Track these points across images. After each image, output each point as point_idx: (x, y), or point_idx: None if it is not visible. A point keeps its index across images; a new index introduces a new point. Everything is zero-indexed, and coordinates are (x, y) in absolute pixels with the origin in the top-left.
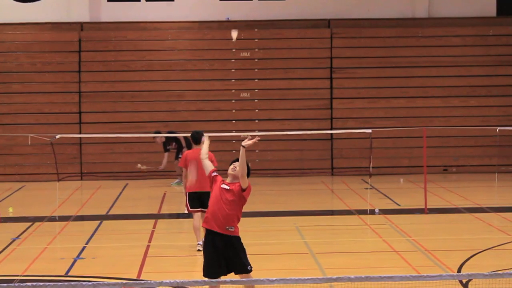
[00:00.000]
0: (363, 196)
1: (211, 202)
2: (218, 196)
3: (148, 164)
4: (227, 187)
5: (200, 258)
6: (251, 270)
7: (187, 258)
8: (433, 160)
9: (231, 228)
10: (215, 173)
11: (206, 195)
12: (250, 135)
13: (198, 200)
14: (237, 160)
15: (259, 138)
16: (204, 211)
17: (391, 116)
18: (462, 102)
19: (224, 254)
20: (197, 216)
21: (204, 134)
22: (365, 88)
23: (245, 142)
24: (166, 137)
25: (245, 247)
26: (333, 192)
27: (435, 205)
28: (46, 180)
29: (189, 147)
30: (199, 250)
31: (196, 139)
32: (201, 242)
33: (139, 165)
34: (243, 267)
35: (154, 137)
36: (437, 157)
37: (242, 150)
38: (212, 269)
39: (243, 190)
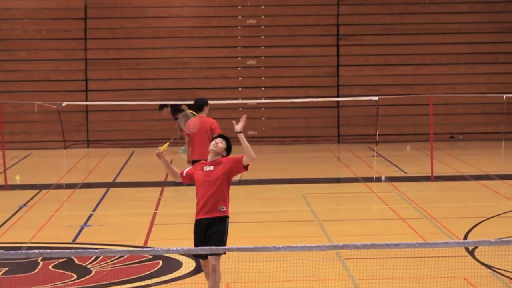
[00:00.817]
0: (370, 163)
1: (199, 190)
2: (203, 180)
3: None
4: (211, 168)
5: None
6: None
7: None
8: (440, 127)
9: (223, 208)
10: (185, 171)
11: None
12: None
13: None
14: (220, 136)
15: (246, 115)
16: None
17: (398, 83)
18: (469, 69)
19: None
20: None
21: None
22: (371, 55)
23: (239, 126)
24: (172, 108)
25: (250, 215)
26: (339, 159)
27: (442, 173)
28: (52, 148)
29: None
30: None
31: (197, 106)
32: None
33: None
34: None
35: (160, 110)
36: (444, 124)
37: (240, 136)
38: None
39: (244, 166)
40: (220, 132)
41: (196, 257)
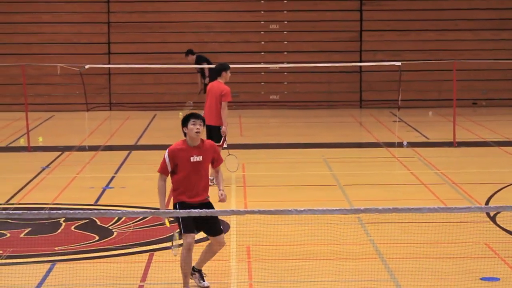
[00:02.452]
0: (391, 129)
1: (187, 180)
2: (193, 171)
3: (190, 104)
4: (199, 158)
5: (227, 188)
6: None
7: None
8: (463, 93)
9: (208, 197)
10: (168, 167)
11: (212, 128)
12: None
13: (207, 132)
14: (197, 117)
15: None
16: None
17: (421, 49)
18: (493, 35)
19: (200, 220)
20: None
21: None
22: (395, 21)
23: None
24: (197, 58)
25: (272, 179)
26: (361, 124)
27: (464, 139)
28: (75, 110)
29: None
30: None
31: (216, 71)
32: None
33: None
34: (219, 230)
35: (186, 55)
36: (467, 90)
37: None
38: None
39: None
40: (227, 100)
41: (189, 230)
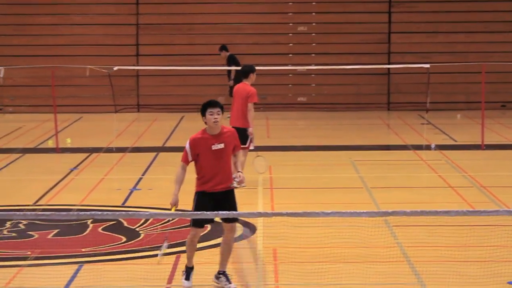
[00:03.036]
0: (420, 131)
1: (209, 168)
2: (215, 159)
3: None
4: (221, 146)
5: (254, 191)
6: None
7: (242, 190)
8: (492, 96)
9: (232, 184)
10: (189, 156)
11: (238, 130)
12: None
13: None
14: (214, 106)
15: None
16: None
17: (450, 51)
18: None
19: (219, 206)
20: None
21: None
22: (424, 23)
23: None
24: (229, 57)
25: (299, 181)
26: (389, 127)
27: (492, 141)
28: (103, 112)
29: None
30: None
31: (243, 73)
32: (234, 176)
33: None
34: (236, 217)
35: (220, 51)
36: (496, 93)
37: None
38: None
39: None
40: (254, 101)
41: (198, 225)
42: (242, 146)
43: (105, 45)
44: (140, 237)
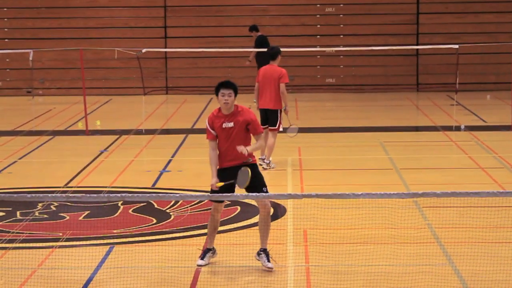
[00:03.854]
0: (449, 112)
1: (221, 145)
2: (226, 137)
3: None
4: (231, 124)
5: (283, 172)
6: (267, 192)
7: (272, 172)
8: None
9: (249, 160)
10: (212, 133)
11: (269, 112)
12: (335, 50)
13: (262, 117)
14: (227, 86)
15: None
16: (266, 128)
17: (480, 31)
18: None
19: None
20: (265, 133)
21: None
22: (452, 3)
23: (244, 150)
24: (258, 38)
25: (329, 162)
26: (418, 108)
27: None
28: (132, 94)
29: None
30: (260, 165)
31: (271, 55)
32: (263, 157)
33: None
34: (259, 188)
35: (250, 31)
36: None
37: (249, 150)
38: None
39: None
40: (286, 81)
41: (215, 201)
42: (272, 128)
43: (133, 28)
44: (171, 219)
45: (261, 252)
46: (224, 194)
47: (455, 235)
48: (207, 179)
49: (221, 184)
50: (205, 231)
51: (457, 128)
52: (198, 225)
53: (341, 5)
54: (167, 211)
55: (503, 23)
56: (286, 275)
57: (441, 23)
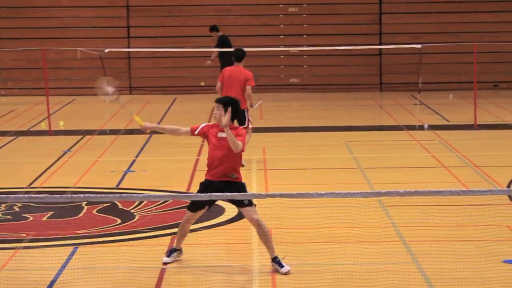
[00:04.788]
0: (412, 111)
1: (212, 153)
2: (216, 146)
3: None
4: (223, 135)
5: (248, 172)
6: (248, 204)
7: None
8: (484, 76)
9: (233, 176)
10: (198, 129)
11: None
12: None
13: None
14: (217, 101)
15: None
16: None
17: (442, 31)
18: None
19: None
20: None
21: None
22: (415, 3)
23: (224, 120)
24: (220, 38)
25: (293, 162)
26: (381, 107)
27: (485, 121)
28: (95, 94)
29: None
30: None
31: (239, 56)
32: None
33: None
34: (240, 202)
35: (211, 31)
36: (488, 73)
37: (226, 130)
38: (199, 204)
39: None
40: (253, 85)
41: (191, 208)
42: (242, 127)
43: (96, 27)
44: (135, 219)
45: (272, 262)
46: (187, 194)
47: (419, 234)
48: (172, 179)
49: (137, 118)
50: (170, 231)
51: (421, 127)
52: (163, 225)
53: (305, 5)
54: (132, 211)
55: (465, 23)
56: (252, 275)
57: (404, 23)
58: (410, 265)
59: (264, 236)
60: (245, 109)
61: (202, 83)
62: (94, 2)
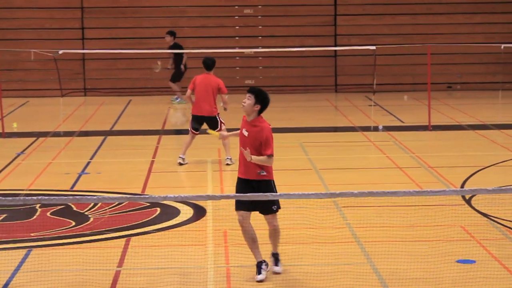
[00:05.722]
0: (367, 113)
1: (240, 153)
2: (241, 143)
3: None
4: (246, 134)
5: (204, 174)
6: (276, 211)
7: (191, 173)
8: (437, 77)
9: (262, 172)
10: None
11: (210, 119)
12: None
13: (197, 122)
14: (249, 90)
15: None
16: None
17: (396, 33)
18: (467, 19)
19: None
20: (192, 136)
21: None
22: (369, 5)
23: (248, 156)
24: (174, 46)
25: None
26: (336, 109)
27: (439, 122)
28: (49, 96)
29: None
30: (180, 164)
31: (208, 65)
32: (183, 156)
33: (158, 62)
34: (268, 210)
35: (166, 34)
36: (441, 74)
37: (254, 159)
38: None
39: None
40: (226, 92)
41: (238, 207)
42: (216, 130)
43: (49, 29)
44: (89, 221)
45: (272, 256)
46: (142, 196)
47: (373, 234)
48: (127, 181)
49: (213, 131)
50: (124, 233)
51: (375, 129)
52: (117, 227)
53: (260, 6)
54: (86, 213)
55: (419, 24)
56: (207, 276)
57: (358, 24)
58: (365, 265)
59: (275, 236)
60: (217, 114)
61: (159, 63)
62: (48, 3)
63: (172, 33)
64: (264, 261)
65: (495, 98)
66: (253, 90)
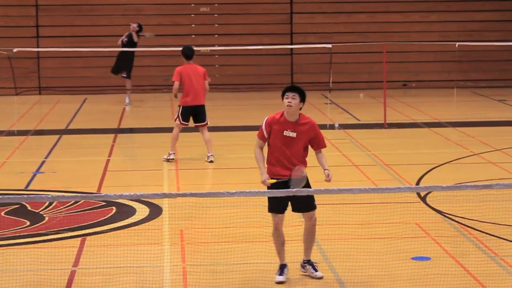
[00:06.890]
0: (323, 111)
1: (280, 150)
2: (284, 144)
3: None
4: (293, 134)
5: (159, 172)
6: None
7: (147, 172)
8: (393, 75)
9: (304, 173)
10: (265, 132)
11: (201, 108)
12: (209, 49)
13: (191, 114)
14: (292, 89)
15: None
16: (198, 125)
17: (352, 31)
18: (422, 17)
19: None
20: (179, 128)
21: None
22: (325, 3)
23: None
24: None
25: (205, 162)
26: None
27: (395, 120)
28: (3, 95)
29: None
30: (168, 160)
31: (188, 55)
32: (172, 152)
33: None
34: (309, 206)
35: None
36: (397, 72)
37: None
38: (280, 205)
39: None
40: (208, 79)
41: (274, 210)
42: (203, 123)
43: (3, 27)
44: (44, 221)
45: (305, 264)
46: (97, 195)
47: (329, 232)
48: (82, 180)
49: (274, 181)
50: (80, 232)
51: (331, 127)
52: (73, 226)
53: (216, 4)
54: (41, 213)
55: (375, 22)
56: (163, 275)
57: (314, 22)
58: (321, 263)
59: (312, 235)
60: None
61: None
62: (2, 1)
63: (140, 26)
64: (287, 265)
65: (450, 96)
66: (297, 89)
